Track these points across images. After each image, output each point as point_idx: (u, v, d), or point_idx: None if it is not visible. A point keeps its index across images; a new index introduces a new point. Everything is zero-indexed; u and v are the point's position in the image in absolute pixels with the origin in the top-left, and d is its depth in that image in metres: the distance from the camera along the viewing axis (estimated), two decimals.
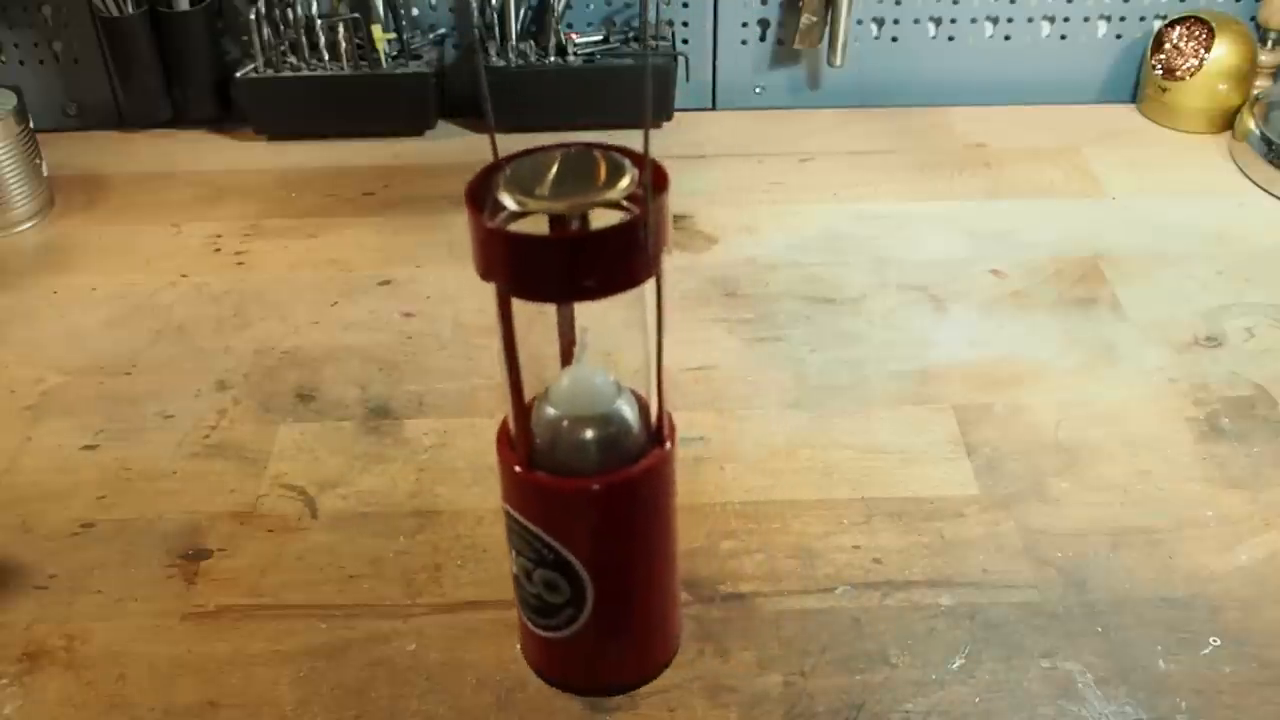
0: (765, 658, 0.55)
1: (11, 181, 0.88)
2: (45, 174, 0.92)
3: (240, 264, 0.85)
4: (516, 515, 0.41)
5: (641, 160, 0.36)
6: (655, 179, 0.36)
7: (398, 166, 0.97)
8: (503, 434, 0.42)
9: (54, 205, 0.92)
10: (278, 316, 0.79)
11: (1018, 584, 0.58)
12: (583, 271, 0.36)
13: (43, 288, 0.83)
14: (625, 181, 0.36)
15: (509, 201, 0.36)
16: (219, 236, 0.88)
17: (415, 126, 1.01)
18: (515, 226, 0.37)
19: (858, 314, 0.78)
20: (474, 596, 0.58)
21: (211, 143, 1.01)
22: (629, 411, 0.41)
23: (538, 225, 0.36)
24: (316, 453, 0.67)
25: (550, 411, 0.41)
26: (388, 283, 0.82)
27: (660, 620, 0.45)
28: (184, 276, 0.84)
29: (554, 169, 0.38)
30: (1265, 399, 0.70)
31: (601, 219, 0.36)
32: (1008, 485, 0.64)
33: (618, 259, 0.36)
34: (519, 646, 0.46)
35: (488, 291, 0.86)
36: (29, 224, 0.90)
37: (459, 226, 0.89)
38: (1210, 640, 0.55)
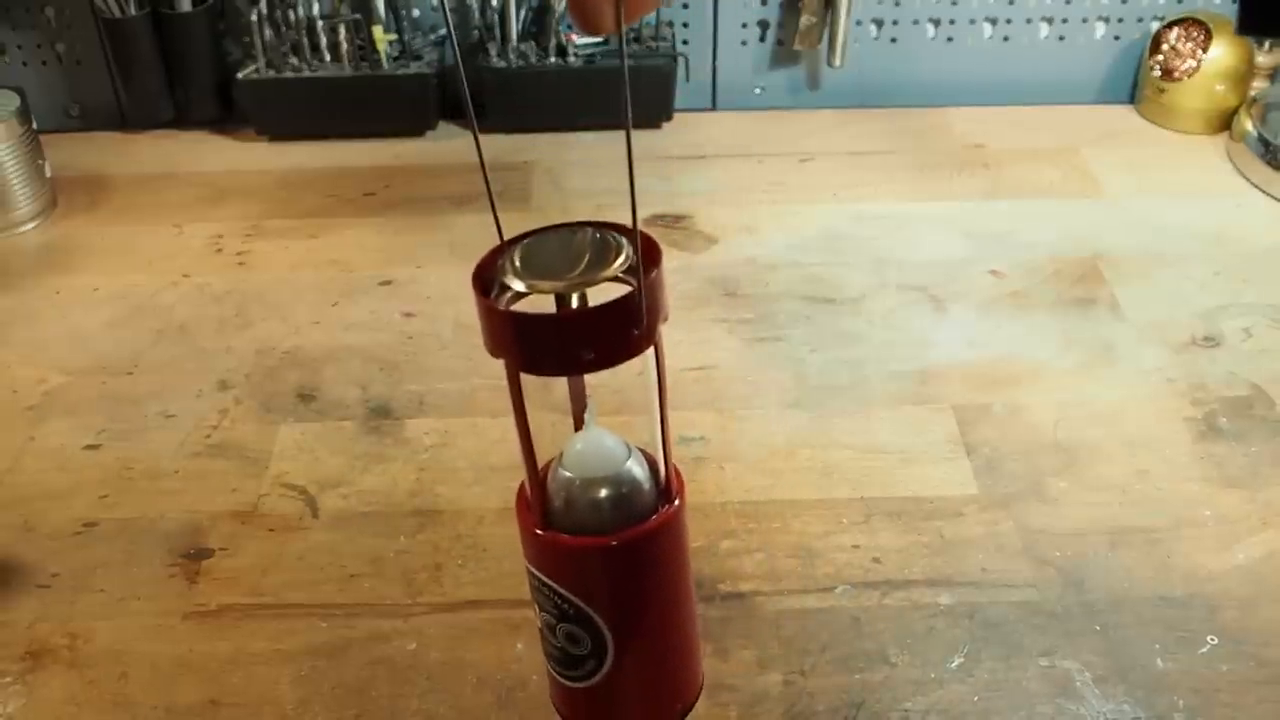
0: (765, 657, 0.55)
1: (14, 182, 0.89)
2: (48, 175, 0.92)
3: (241, 264, 0.85)
4: (537, 573, 0.44)
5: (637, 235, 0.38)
6: (647, 254, 0.38)
7: (399, 167, 0.97)
8: (521, 497, 0.45)
9: (56, 206, 0.93)
10: (279, 317, 0.79)
11: (1017, 583, 0.58)
12: (582, 346, 0.38)
13: (45, 288, 0.83)
14: (620, 259, 0.38)
15: (513, 283, 0.39)
16: (220, 237, 0.88)
17: (416, 127, 1.02)
18: (523, 305, 0.39)
19: (857, 314, 0.78)
20: (474, 596, 0.58)
21: (213, 143, 1.02)
22: (639, 471, 0.44)
23: (547, 303, 0.38)
24: (317, 452, 0.68)
25: (565, 474, 0.43)
26: (388, 283, 0.82)
27: (680, 665, 0.46)
28: (186, 277, 0.84)
29: (555, 249, 0.40)
30: (1263, 399, 0.70)
31: (604, 293, 0.37)
32: (1007, 485, 0.64)
33: (616, 333, 0.38)
34: (549, 695, 0.48)
35: None
36: (32, 224, 0.90)
37: (459, 227, 0.90)
38: (1208, 639, 0.55)
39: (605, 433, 0.44)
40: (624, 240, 0.39)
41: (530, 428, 0.41)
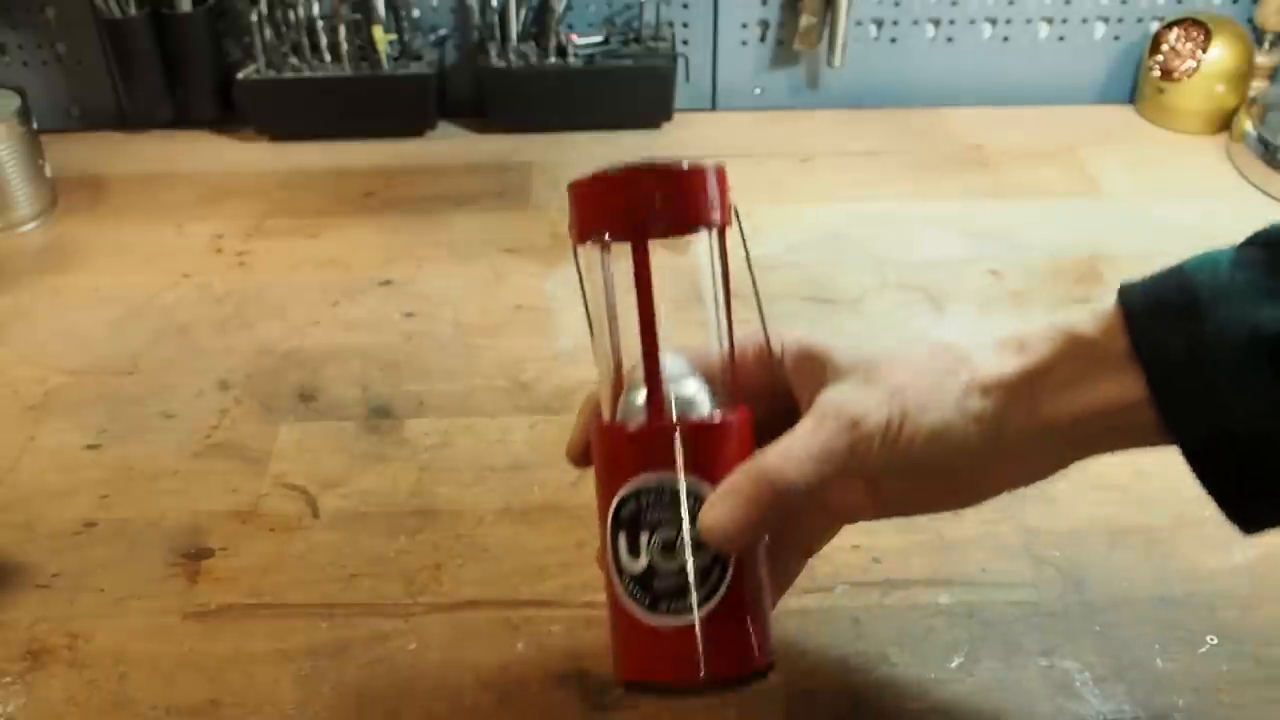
0: None
1: (15, 182, 0.89)
2: (48, 175, 0.92)
3: (242, 264, 0.85)
4: (654, 477, 0.43)
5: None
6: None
7: (398, 167, 0.97)
8: (602, 427, 0.45)
9: (57, 206, 0.93)
10: (279, 316, 0.79)
11: (1016, 583, 0.58)
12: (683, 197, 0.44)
13: (45, 288, 0.83)
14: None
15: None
16: (221, 237, 0.88)
17: (416, 127, 1.02)
18: None
19: (857, 314, 0.79)
20: (474, 596, 0.58)
21: (213, 143, 1.02)
22: (698, 385, 0.45)
23: None
24: (317, 452, 0.68)
25: (639, 397, 0.44)
26: (388, 283, 0.82)
27: (769, 606, 0.47)
28: (186, 277, 0.84)
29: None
30: None
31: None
32: None
33: (701, 191, 0.45)
34: (622, 675, 0.46)
35: (488, 292, 0.86)
36: (32, 224, 0.90)
37: (459, 226, 0.90)
38: (1208, 639, 0.55)
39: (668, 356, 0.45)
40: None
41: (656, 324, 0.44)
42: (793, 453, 0.42)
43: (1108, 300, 0.44)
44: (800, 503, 0.42)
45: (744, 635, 0.44)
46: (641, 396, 0.44)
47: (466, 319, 0.79)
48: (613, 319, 0.47)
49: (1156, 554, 0.60)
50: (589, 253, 0.46)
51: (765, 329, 0.47)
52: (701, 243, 0.46)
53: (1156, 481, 0.64)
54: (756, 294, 0.47)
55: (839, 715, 0.52)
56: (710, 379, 0.46)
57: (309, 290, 0.82)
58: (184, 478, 0.66)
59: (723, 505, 0.42)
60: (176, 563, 0.61)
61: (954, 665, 0.54)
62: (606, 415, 0.46)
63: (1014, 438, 0.43)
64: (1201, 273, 0.42)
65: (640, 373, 0.44)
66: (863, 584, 0.58)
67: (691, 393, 0.45)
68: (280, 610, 0.58)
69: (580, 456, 0.47)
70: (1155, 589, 0.58)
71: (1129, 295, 0.43)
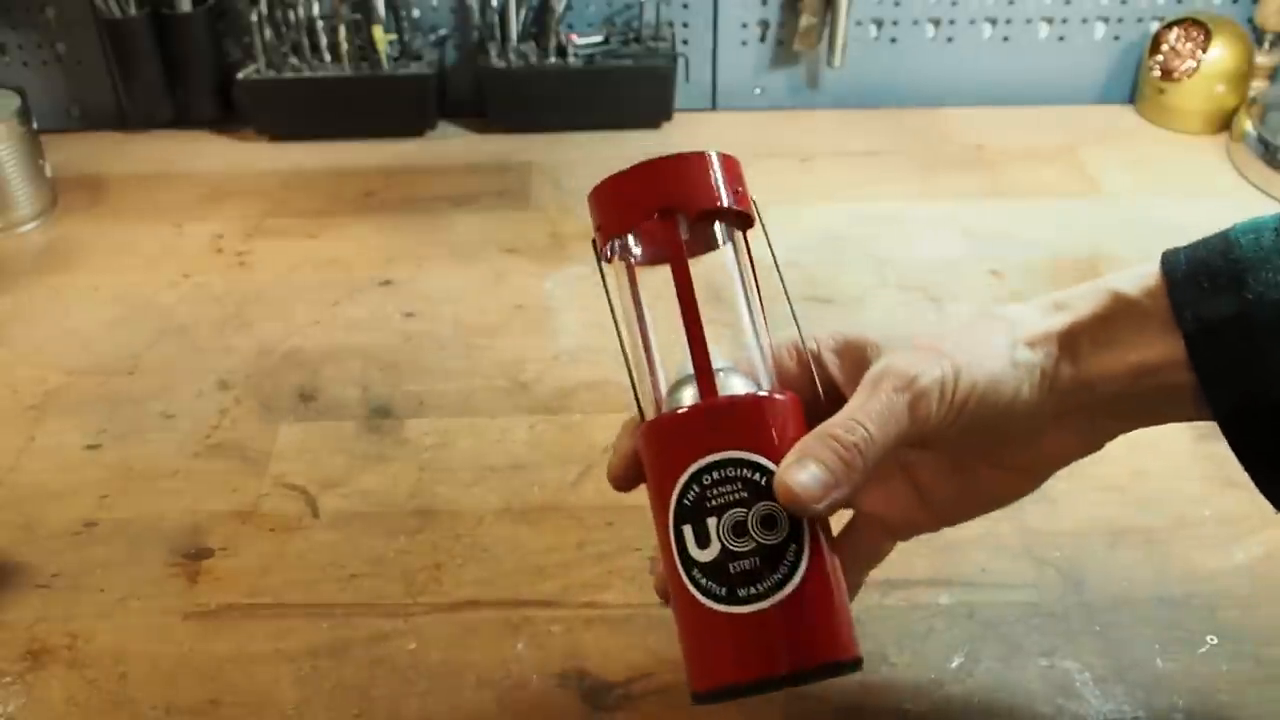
0: None
1: (15, 182, 0.89)
2: (48, 175, 0.92)
3: (242, 264, 0.85)
4: (716, 457, 0.42)
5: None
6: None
7: (398, 167, 0.97)
8: (648, 425, 0.44)
9: (57, 206, 0.93)
10: (279, 316, 0.79)
11: (1016, 583, 0.58)
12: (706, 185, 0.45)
13: (45, 288, 0.83)
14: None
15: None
16: (221, 237, 0.88)
17: (416, 127, 1.02)
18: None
19: (858, 314, 0.79)
20: (474, 596, 0.58)
21: (213, 143, 1.02)
22: (743, 378, 0.45)
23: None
24: (317, 452, 0.68)
25: (686, 392, 0.44)
26: (388, 283, 0.82)
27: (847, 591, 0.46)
28: (186, 276, 0.84)
29: None
30: None
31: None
32: None
33: (728, 177, 0.47)
34: (697, 684, 0.43)
35: (488, 292, 0.86)
36: (32, 224, 0.90)
37: (459, 226, 0.90)
38: (1208, 639, 0.55)
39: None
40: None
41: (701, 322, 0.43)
42: (855, 415, 0.41)
43: (1150, 264, 0.44)
44: (870, 467, 0.41)
45: (829, 618, 0.42)
46: (688, 394, 0.43)
47: (466, 319, 0.79)
48: (645, 332, 0.46)
49: (1156, 554, 0.60)
50: (615, 267, 0.46)
51: (798, 324, 0.47)
52: (725, 242, 0.46)
53: (1156, 482, 0.64)
54: (785, 290, 0.47)
55: (839, 715, 0.52)
56: (753, 376, 0.45)
57: (309, 290, 0.82)
58: (184, 478, 0.66)
59: (798, 465, 0.41)
60: (176, 563, 0.61)
61: (954, 665, 0.54)
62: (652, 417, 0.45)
63: (1060, 396, 0.43)
64: (1246, 237, 0.42)
65: (682, 374, 0.44)
66: (863, 584, 0.58)
67: (737, 382, 0.44)
68: (280, 610, 0.58)
69: (623, 478, 0.45)
70: (1155, 589, 0.58)
71: (1171, 257, 0.43)
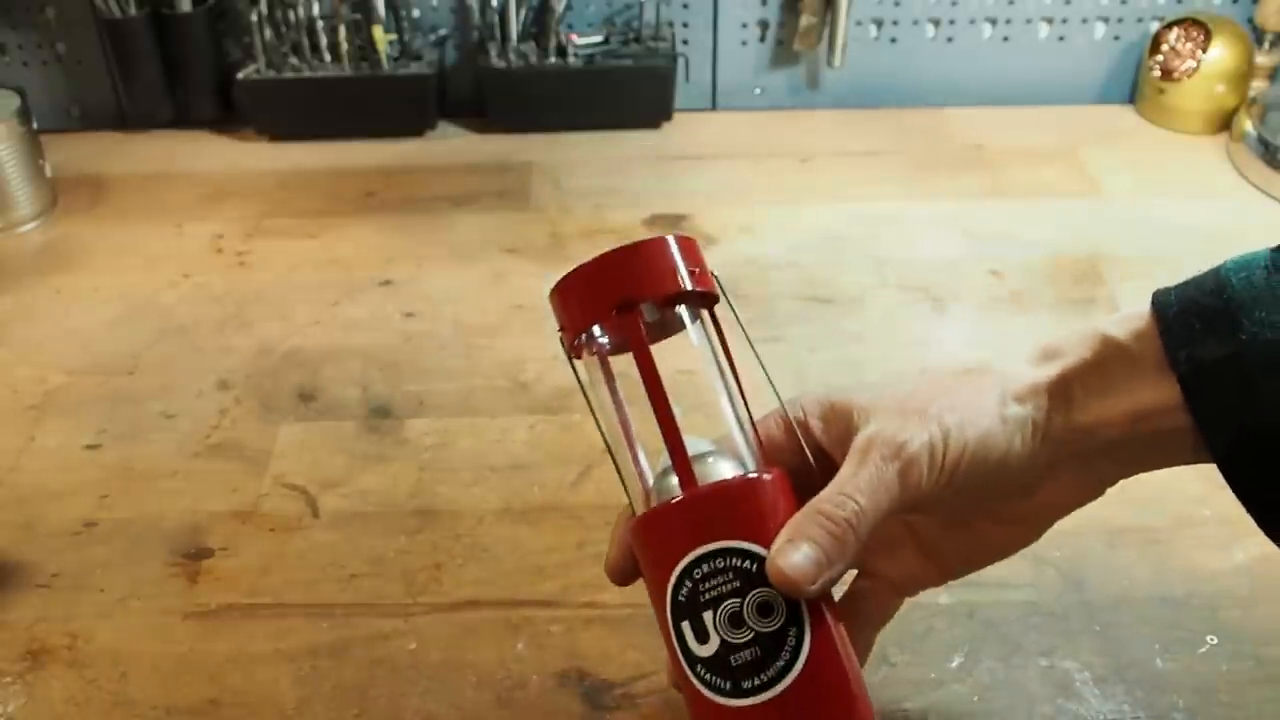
0: None
1: (15, 182, 0.89)
2: (48, 175, 0.92)
3: (242, 264, 0.85)
4: (709, 550, 0.41)
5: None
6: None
7: (398, 167, 0.97)
8: (635, 521, 0.43)
9: (57, 206, 0.93)
10: (279, 316, 0.79)
11: (1016, 583, 0.58)
12: (669, 270, 0.44)
13: (45, 288, 0.83)
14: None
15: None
16: (221, 237, 0.88)
17: (415, 127, 1.02)
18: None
19: (857, 314, 0.79)
20: (474, 596, 0.58)
21: (213, 143, 1.02)
22: (728, 460, 0.44)
23: None
24: (317, 452, 0.68)
25: (671, 481, 0.43)
26: (388, 283, 0.82)
27: (859, 663, 0.44)
28: (186, 276, 0.84)
29: None
30: None
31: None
32: None
33: (688, 260, 0.45)
34: None
35: (488, 292, 0.86)
36: (32, 224, 0.90)
37: (459, 226, 0.90)
38: (1207, 639, 0.55)
39: (695, 440, 0.44)
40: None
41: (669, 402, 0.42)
42: (844, 489, 0.41)
43: (1140, 305, 0.43)
44: (862, 540, 0.41)
45: (839, 692, 0.41)
46: (673, 481, 0.42)
47: (466, 319, 0.79)
48: (625, 422, 0.45)
49: (1156, 554, 0.60)
50: (588, 362, 0.45)
51: (779, 397, 0.46)
52: (694, 321, 0.45)
53: (1156, 481, 0.64)
54: (763, 368, 0.47)
55: None
56: (737, 455, 0.44)
57: (309, 290, 0.82)
58: (184, 478, 0.66)
59: (790, 546, 0.40)
60: (176, 563, 0.61)
61: (954, 665, 0.54)
62: (640, 511, 0.44)
63: (1054, 446, 0.43)
64: (1237, 276, 0.42)
65: (666, 462, 0.43)
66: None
67: (722, 465, 0.43)
68: (280, 610, 0.58)
69: (621, 570, 0.45)
70: (1155, 589, 0.58)
71: (1162, 298, 0.43)
